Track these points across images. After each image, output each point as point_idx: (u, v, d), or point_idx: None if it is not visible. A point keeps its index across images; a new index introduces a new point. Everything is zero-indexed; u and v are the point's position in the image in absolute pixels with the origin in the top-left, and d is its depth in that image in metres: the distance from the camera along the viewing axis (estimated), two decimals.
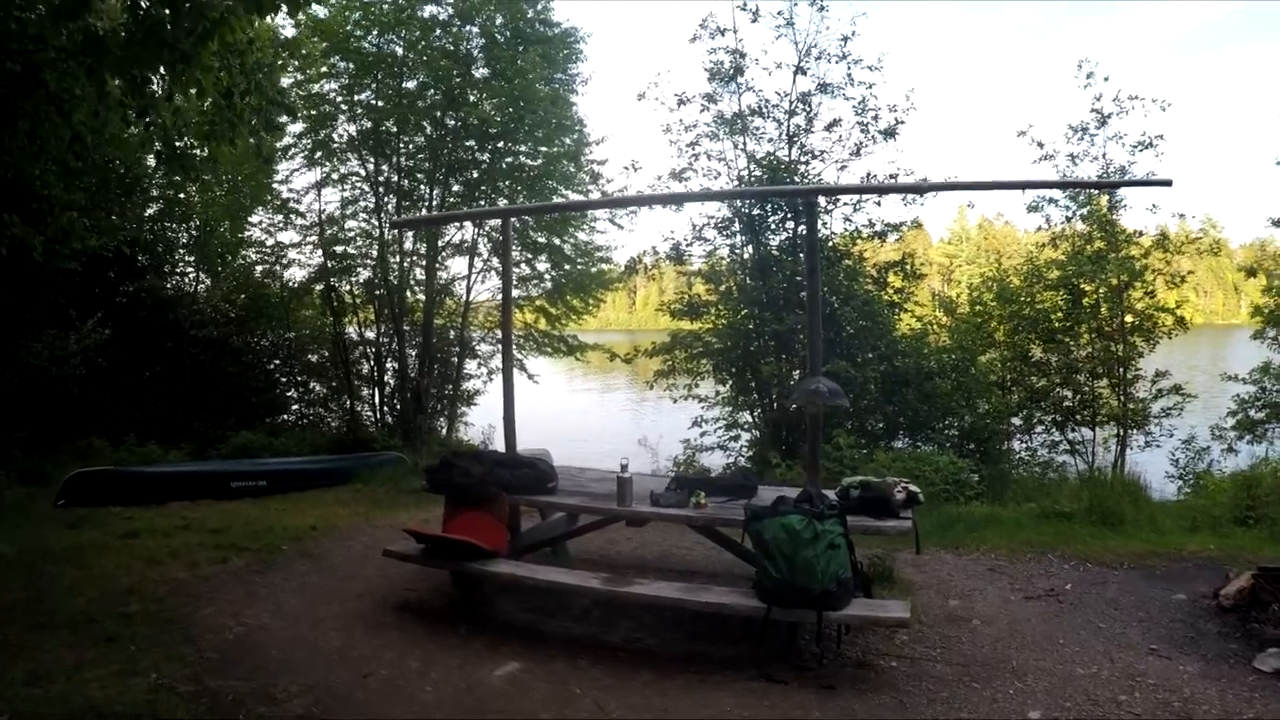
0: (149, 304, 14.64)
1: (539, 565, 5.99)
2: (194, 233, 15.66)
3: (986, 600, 6.39)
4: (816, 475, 6.06)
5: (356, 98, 14.82)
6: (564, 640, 5.59)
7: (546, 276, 16.50)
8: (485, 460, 6.34)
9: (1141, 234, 12.77)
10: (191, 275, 16.26)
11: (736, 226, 12.82)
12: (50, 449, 11.78)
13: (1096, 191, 12.66)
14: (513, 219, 7.65)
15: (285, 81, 12.25)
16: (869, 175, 12.21)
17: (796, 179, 12.07)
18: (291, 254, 16.35)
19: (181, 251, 16.08)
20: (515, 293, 16.25)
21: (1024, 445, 13.26)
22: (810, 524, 4.98)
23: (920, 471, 10.11)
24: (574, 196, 16.18)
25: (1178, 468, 12.27)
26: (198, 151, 8.16)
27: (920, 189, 5.78)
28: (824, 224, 12.43)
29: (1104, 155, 12.61)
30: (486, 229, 15.69)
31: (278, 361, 16.74)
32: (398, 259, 15.15)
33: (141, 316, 14.41)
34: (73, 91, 6.97)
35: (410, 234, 15.33)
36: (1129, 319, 12.48)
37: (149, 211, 15.23)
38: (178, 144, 7.76)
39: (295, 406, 16.76)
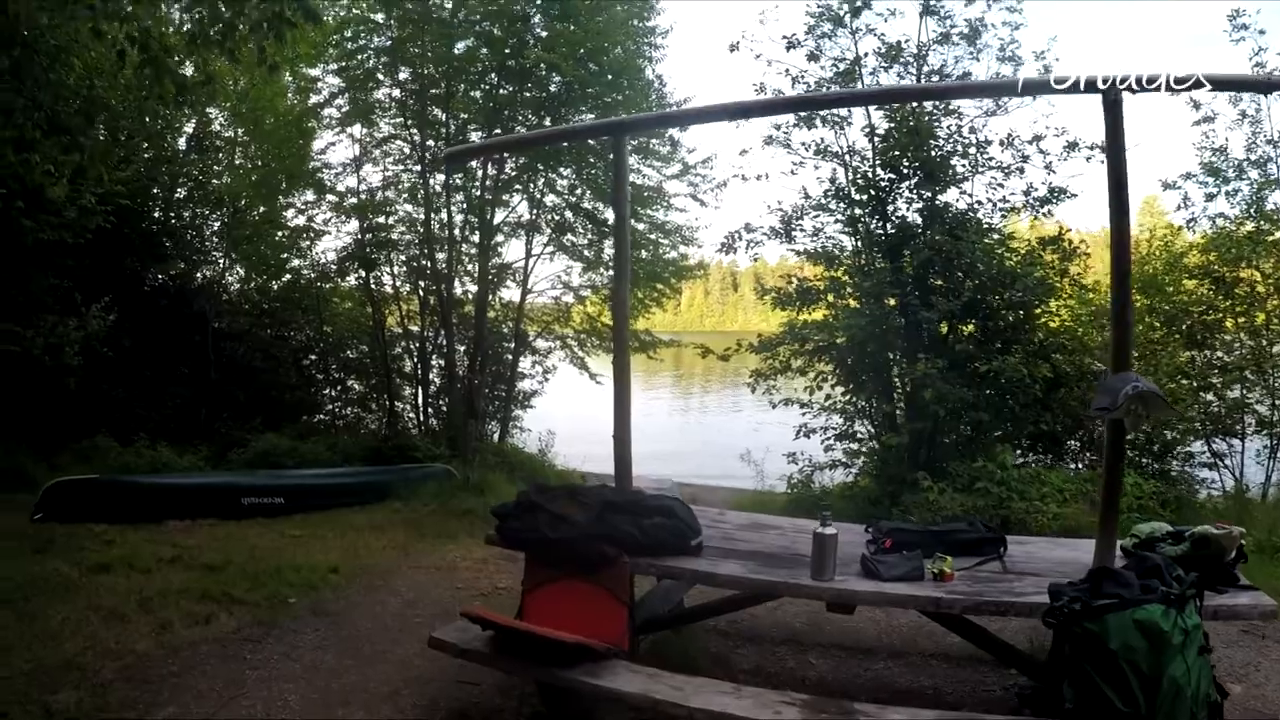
0: (172, 292, 13.21)
1: (680, 677, 3.66)
2: (225, 219, 14.22)
3: (1277, 686, 4.78)
4: (1114, 525, 3.93)
5: (400, 61, 13.04)
6: None
7: None
8: (590, 500, 4.15)
9: None
10: (221, 262, 14.73)
11: (856, 196, 10.72)
12: (48, 449, 10.17)
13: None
14: (628, 138, 5.40)
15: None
16: (1012, 134, 10.28)
17: (934, 140, 10.06)
18: (329, 238, 14.70)
19: (214, 239, 14.58)
20: (576, 281, 14.71)
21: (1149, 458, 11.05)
22: (1177, 619, 2.99)
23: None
24: (646, 170, 14.19)
25: None
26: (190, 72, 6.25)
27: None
28: (967, 192, 10.42)
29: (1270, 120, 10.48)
30: (549, 202, 13.98)
31: (313, 357, 15.21)
32: (446, 233, 13.24)
33: (163, 305, 12.88)
34: None
35: (460, 213, 13.46)
36: None
37: (178, 194, 13.89)
38: (162, 56, 5.77)
39: (330, 407, 15.19)
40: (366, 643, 5.26)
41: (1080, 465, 10.27)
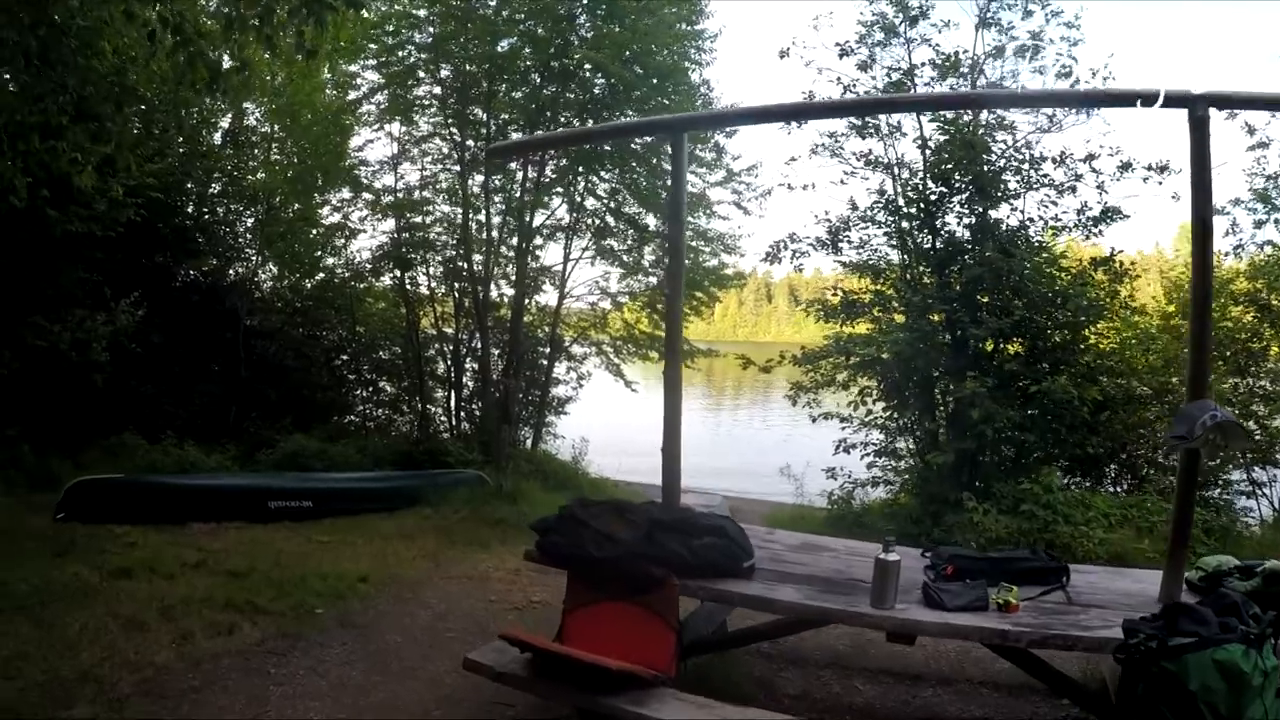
0: (203, 289, 13.03)
1: (731, 707, 3.43)
2: (259, 215, 14.01)
3: None
4: (1184, 557, 3.70)
5: (441, 57, 12.92)
6: None
7: (657, 270, 14.09)
8: (638, 518, 3.93)
9: None
10: (254, 259, 14.54)
11: (906, 209, 10.48)
12: (74, 447, 9.95)
13: None
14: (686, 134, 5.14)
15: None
16: (1065, 152, 9.94)
17: (988, 154, 9.80)
18: (364, 237, 14.68)
19: (248, 236, 14.36)
20: (614, 287, 14.40)
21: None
22: (1256, 660, 2.81)
23: (1150, 524, 8.10)
24: (690, 176, 13.71)
25: None
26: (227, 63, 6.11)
27: None
28: (1017, 209, 10.12)
29: None
30: (589, 206, 13.75)
31: (345, 357, 15.03)
32: (483, 234, 13.12)
33: (194, 301, 12.69)
34: None
35: (499, 215, 13.37)
36: None
37: (212, 189, 13.68)
38: (196, 40, 5.64)
39: (361, 408, 15.01)
40: (395, 658, 5.05)
41: (1120, 489, 9.99)
